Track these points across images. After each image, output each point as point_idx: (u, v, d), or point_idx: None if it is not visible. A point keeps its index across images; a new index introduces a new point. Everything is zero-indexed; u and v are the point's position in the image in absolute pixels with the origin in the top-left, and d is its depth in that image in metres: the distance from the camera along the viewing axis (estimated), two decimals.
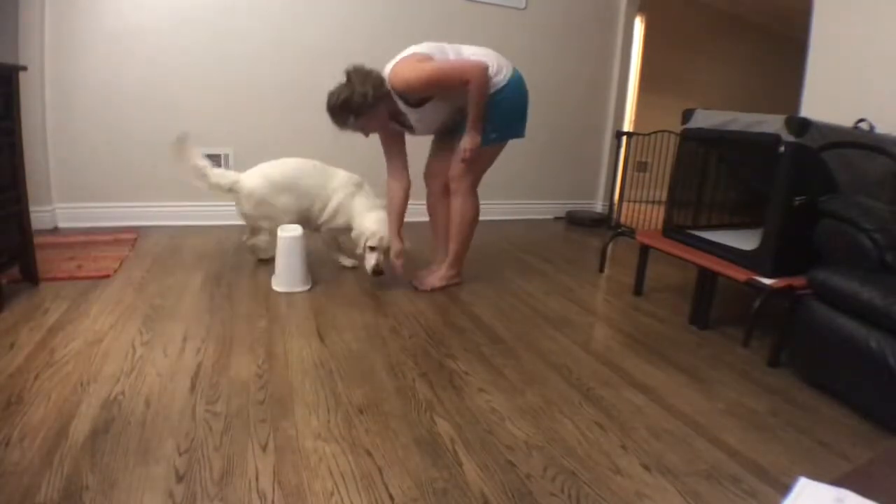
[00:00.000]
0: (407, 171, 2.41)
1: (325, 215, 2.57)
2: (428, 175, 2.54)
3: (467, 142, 2.23)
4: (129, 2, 3.05)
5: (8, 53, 2.73)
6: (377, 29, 3.55)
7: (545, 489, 1.22)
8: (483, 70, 2.12)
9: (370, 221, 2.41)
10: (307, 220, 2.57)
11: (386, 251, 2.40)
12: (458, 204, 2.40)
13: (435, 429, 1.42)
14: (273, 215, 2.48)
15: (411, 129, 2.33)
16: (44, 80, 2.95)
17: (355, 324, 2.06)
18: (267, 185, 2.48)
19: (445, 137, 2.42)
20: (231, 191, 2.48)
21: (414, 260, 2.91)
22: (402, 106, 2.20)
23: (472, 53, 2.24)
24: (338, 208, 2.55)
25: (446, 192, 2.47)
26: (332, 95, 2.18)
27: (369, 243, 2.38)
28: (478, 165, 2.37)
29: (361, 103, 2.12)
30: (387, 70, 2.18)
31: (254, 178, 2.49)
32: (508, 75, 2.27)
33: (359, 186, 2.60)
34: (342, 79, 2.20)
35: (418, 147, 2.55)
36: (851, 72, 2.62)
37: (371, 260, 2.39)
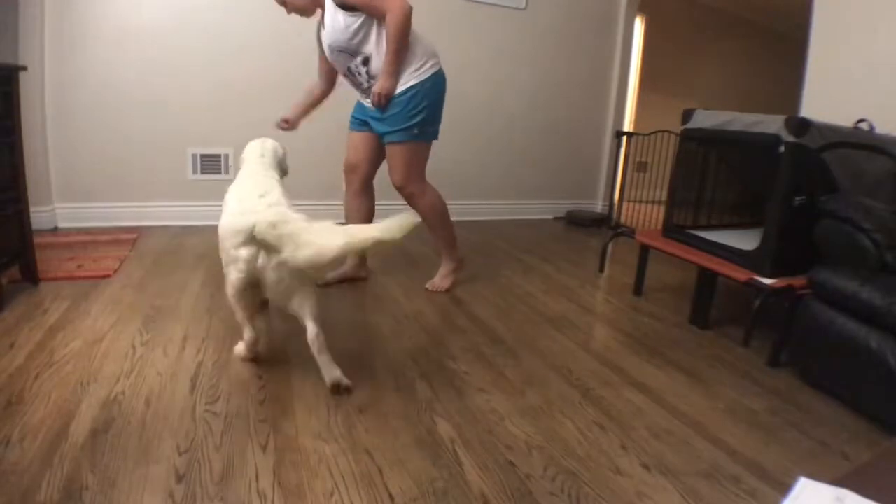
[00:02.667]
0: (334, 79, 2.42)
1: None
2: (348, 170, 2.43)
3: (379, 85, 2.14)
4: (129, 2, 3.05)
5: (8, 53, 2.73)
6: None
7: (545, 489, 1.22)
8: (405, 8, 2.04)
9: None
10: None
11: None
12: (420, 206, 2.34)
13: (435, 429, 1.42)
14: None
15: (321, 39, 2.27)
16: (44, 80, 2.95)
17: (355, 324, 2.06)
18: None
19: (360, 129, 2.36)
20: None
21: (415, 261, 2.91)
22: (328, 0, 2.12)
23: (416, 27, 2.18)
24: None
25: (364, 189, 2.43)
26: None
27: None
28: (417, 164, 2.30)
29: None
30: None
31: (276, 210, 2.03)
32: (437, 69, 2.23)
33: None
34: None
35: None
36: (851, 72, 2.62)
37: None
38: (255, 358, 1.71)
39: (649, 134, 3.84)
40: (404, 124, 2.20)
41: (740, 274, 2.02)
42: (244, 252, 1.48)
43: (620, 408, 1.60)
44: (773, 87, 5.59)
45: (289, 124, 2.47)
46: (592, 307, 2.48)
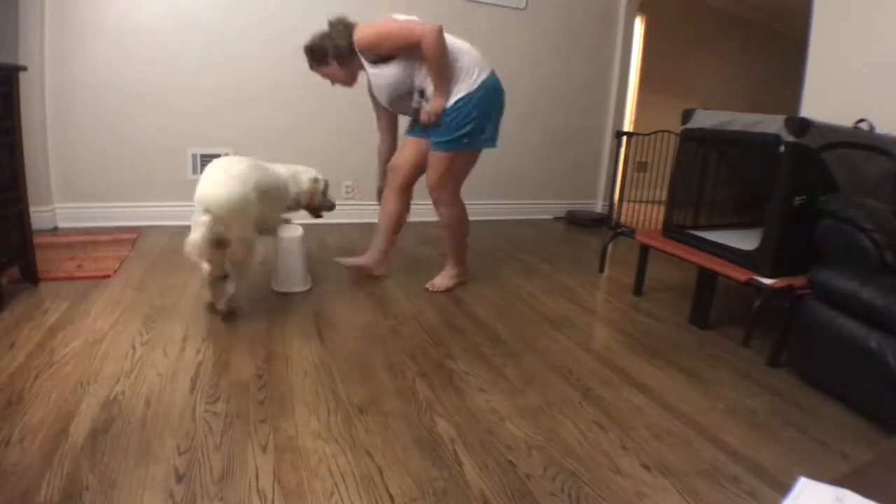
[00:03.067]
0: (392, 131, 2.49)
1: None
2: (391, 167, 2.49)
3: (431, 105, 2.22)
4: (129, 2, 3.05)
5: (8, 53, 2.73)
6: None
7: (545, 489, 1.22)
8: (436, 30, 2.08)
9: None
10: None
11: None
12: (443, 214, 2.41)
13: (435, 429, 1.42)
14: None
15: (373, 95, 2.36)
16: (44, 80, 2.95)
17: (355, 324, 2.06)
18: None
19: (415, 134, 2.40)
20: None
21: (416, 261, 2.91)
22: (364, 63, 2.21)
23: (458, 40, 2.26)
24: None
25: (403, 189, 2.46)
26: (313, 39, 2.27)
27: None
28: (453, 175, 2.35)
29: (335, 51, 2.20)
30: None
31: None
32: (488, 74, 2.26)
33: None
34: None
35: None
36: (851, 72, 2.62)
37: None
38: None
39: (649, 134, 3.84)
40: (453, 134, 2.24)
41: (740, 274, 2.02)
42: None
43: (620, 408, 1.60)
44: (773, 87, 5.59)
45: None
46: (592, 307, 2.48)
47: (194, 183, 3.54)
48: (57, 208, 3.13)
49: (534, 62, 4.11)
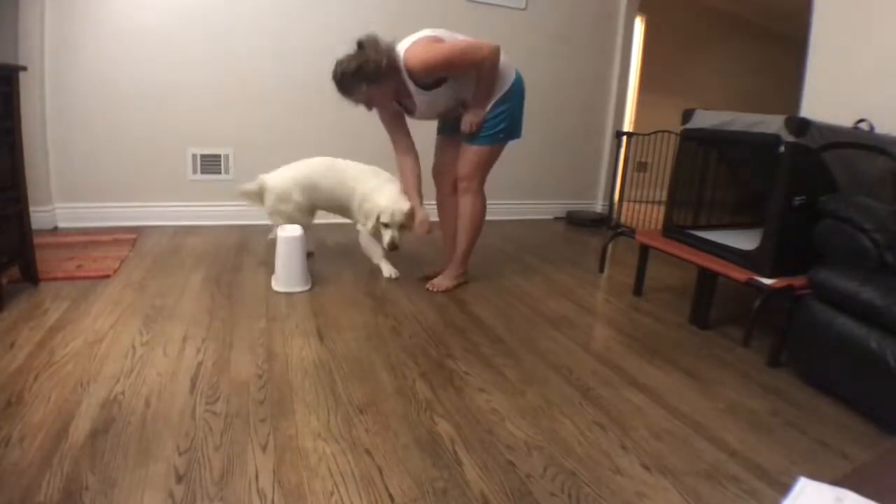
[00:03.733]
0: (414, 146, 2.44)
1: (359, 216, 2.57)
2: (437, 173, 2.55)
3: (472, 115, 2.25)
4: (129, 2, 3.05)
5: (8, 53, 2.73)
6: (377, 29, 3.53)
7: (545, 489, 1.22)
8: (495, 50, 2.14)
9: (382, 198, 2.41)
10: (342, 213, 2.70)
11: (400, 226, 2.41)
12: (467, 203, 2.42)
13: (435, 429, 1.42)
14: (287, 212, 2.57)
15: (411, 112, 2.33)
16: (44, 80, 2.95)
17: (355, 324, 2.06)
18: (283, 183, 2.56)
19: (450, 133, 2.43)
20: (259, 191, 2.61)
21: (417, 261, 2.91)
22: (412, 87, 2.18)
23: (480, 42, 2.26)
24: (361, 203, 2.53)
25: (455, 189, 2.47)
26: (341, 63, 2.13)
27: (382, 220, 2.40)
28: (486, 165, 2.40)
29: (374, 71, 2.08)
30: (400, 49, 2.16)
31: (274, 178, 2.59)
32: (514, 74, 2.31)
33: (374, 172, 2.57)
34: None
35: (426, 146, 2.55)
36: (851, 72, 2.62)
37: (386, 236, 2.41)
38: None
39: (649, 134, 3.84)
40: (490, 131, 2.29)
41: (740, 274, 2.02)
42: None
43: (620, 408, 1.60)
44: (773, 87, 5.59)
45: (427, 226, 2.44)
46: (592, 307, 2.48)
47: (194, 183, 3.56)
48: (57, 208, 3.13)
49: (534, 62, 4.10)
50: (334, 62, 2.15)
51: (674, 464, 1.34)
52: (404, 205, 2.39)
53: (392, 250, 2.46)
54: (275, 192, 2.55)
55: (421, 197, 2.45)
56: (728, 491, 1.25)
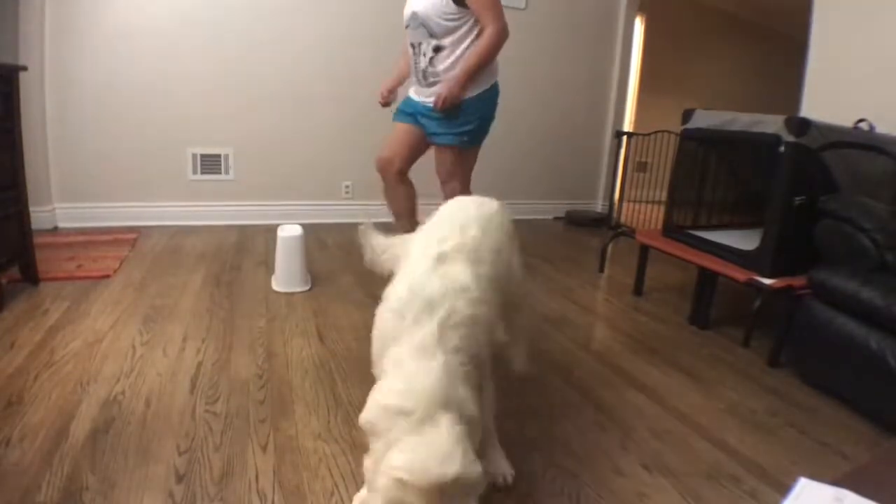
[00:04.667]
0: None
1: None
2: (381, 160, 2.36)
3: (446, 87, 2.10)
4: (129, 2, 3.05)
5: (8, 53, 2.73)
6: (377, 30, 3.55)
7: (545, 489, 1.22)
8: (506, 32, 2.08)
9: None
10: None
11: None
12: None
13: None
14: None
15: None
16: (44, 80, 2.95)
17: (355, 324, 2.06)
18: None
19: (404, 119, 2.34)
20: None
21: None
22: None
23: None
24: None
25: (401, 179, 2.38)
26: None
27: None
28: (460, 168, 2.32)
29: None
30: None
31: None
32: (496, 81, 2.25)
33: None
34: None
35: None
36: (851, 72, 2.62)
37: None
38: None
39: (649, 134, 3.83)
40: (455, 130, 2.21)
41: (740, 274, 2.02)
42: None
43: (620, 408, 1.59)
44: (773, 87, 5.59)
45: (389, 94, 2.41)
46: (592, 307, 2.48)
47: (194, 183, 3.56)
48: (57, 208, 3.13)
49: (534, 62, 4.10)
50: None
51: (674, 464, 1.34)
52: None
53: None
54: None
55: (396, 86, 2.40)
56: (728, 491, 1.25)
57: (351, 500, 1.14)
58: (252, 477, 1.19)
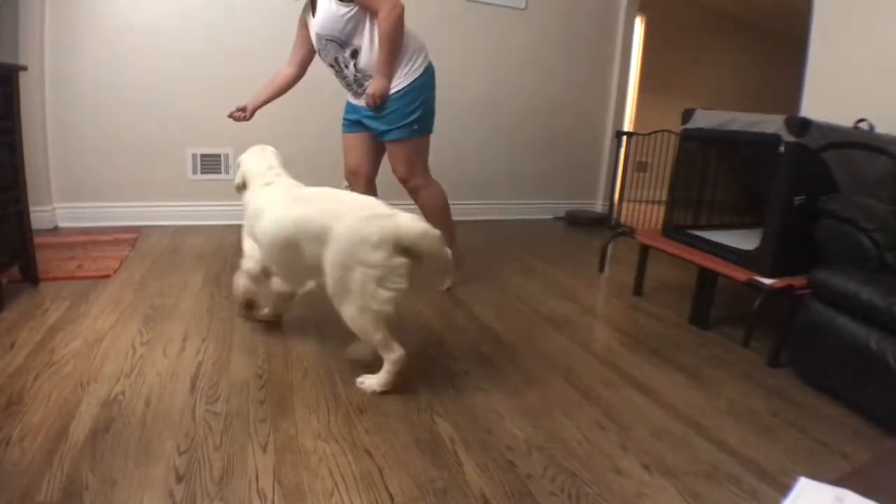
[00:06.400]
0: (306, 64, 2.41)
1: None
2: (351, 174, 2.42)
3: (373, 86, 2.13)
4: (129, 2, 3.05)
5: (8, 53, 2.73)
6: None
7: (545, 489, 1.22)
8: (398, 7, 2.03)
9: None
10: None
11: None
12: (423, 197, 2.36)
13: (435, 429, 1.42)
14: None
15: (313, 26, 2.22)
16: (44, 80, 2.95)
17: None
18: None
19: (354, 130, 2.36)
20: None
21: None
22: None
23: (407, 24, 2.15)
24: None
25: (369, 188, 2.40)
26: None
27: None
28: (416, 157, 2.31)
29: None
30: None
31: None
32: (427, 63, 2.22)
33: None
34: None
35: None
36: (851, 72, 2.62)
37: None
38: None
39: (649, 134, 3.84)
40: (403, 121, 2.20)
41: (740, 274, 2.02)
42: (400, 260, 1.45)
43: (620, 408, 1.59)
44: (773, 87, 5.59)
45: (245, 113, 2.45)
46: (592, 307, 2.48)
47: (194, 183, 3.55)
48: (57, 208, 3.13)
49: (534, 62, 4.11)
50: None
51: (674, 464, 1.34)
52: None
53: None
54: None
55: (267, 101, 2.48)
56: (728, 491, 1.25)
57: (351, 500, 1.14)
58: (252, 477, 1.19)
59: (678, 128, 2.48)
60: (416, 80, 2.18)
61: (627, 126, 5.05)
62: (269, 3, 3.33)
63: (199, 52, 3.23)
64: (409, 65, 2.17)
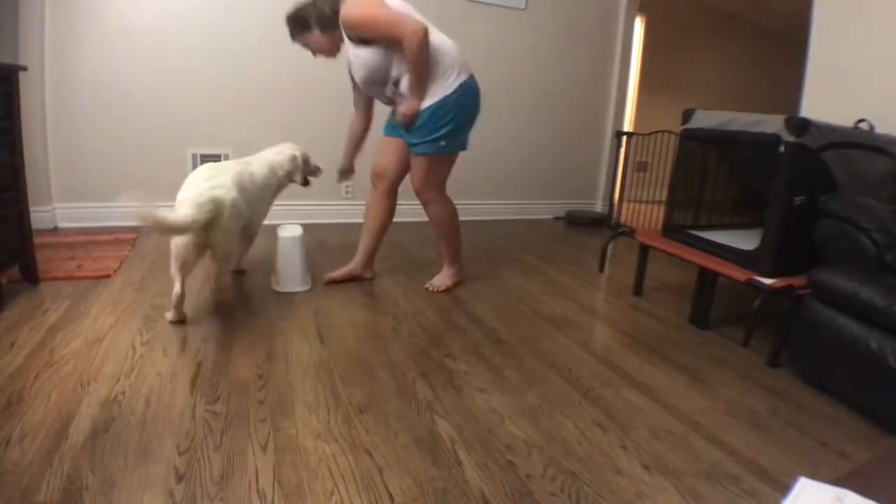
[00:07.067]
0: (367, 107, 2.47)
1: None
2: (374, 174, 2.47)
3: (405, 106, 2.19)
4: (129, 2, 3.05)
5: (8, 53, 2.73)
6: None
7: (545, 489, 1.22)
8: (419, 32, 2.03)
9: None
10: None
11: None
12: (433, 214, 2.41)
13: (435, 429, 1.42)
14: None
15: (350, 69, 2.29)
16: (44, 80, 2.95)
17: (355, 324, 2.06)
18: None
19: (392, 135, 2.39)
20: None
21: (416, 261, 2.91)
22: (345, 38, 2.17)
23: (440, 39, 2.18)
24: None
25: (388, 194, 2.44)
26: (297, 6, 2.23)
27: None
28: (436, 176, 2.34)
29: (317, 19, 2.16)
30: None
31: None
32: (467, 78, 2.23)
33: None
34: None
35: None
36: (851, 72, 2.62)
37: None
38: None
39: (649, 134, 3.84)
40: (429, 137, 2.23)
41: (740, 274, 2.02)
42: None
43: (620, 408, 1.60)
44: (773, 87, 5.59)
45: (348, 173, 2.56)
46: (592, 307, 2.48)
47: None
48: (57, 208, 3.13)
49: (534, 62, 4.11)
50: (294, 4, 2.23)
51: (674, 464, 1.34)
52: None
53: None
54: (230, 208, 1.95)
55: (352, 154, 2.53)
56: (728, 491, 1.25)
57: (351, 500, 1.14)
58: (252, 477, 1.19)
59: (678, 128, 2.48)
60: (447, 96, 2.19)
61: (627, 126, 5.06)
62: (270, 3, 3.33)
63: (199, 52, 3.23)
64: (441, 81, 2.18)
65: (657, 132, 3.72)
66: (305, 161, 2.49)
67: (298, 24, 2.22)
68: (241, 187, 2.06)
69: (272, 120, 3.47)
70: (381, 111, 2.49)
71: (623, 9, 4.31)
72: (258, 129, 3.45)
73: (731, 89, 5.90)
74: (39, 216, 2.85)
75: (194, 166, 3.37)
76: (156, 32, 3.13)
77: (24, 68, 2.11)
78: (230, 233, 2.00)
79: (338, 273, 2.48)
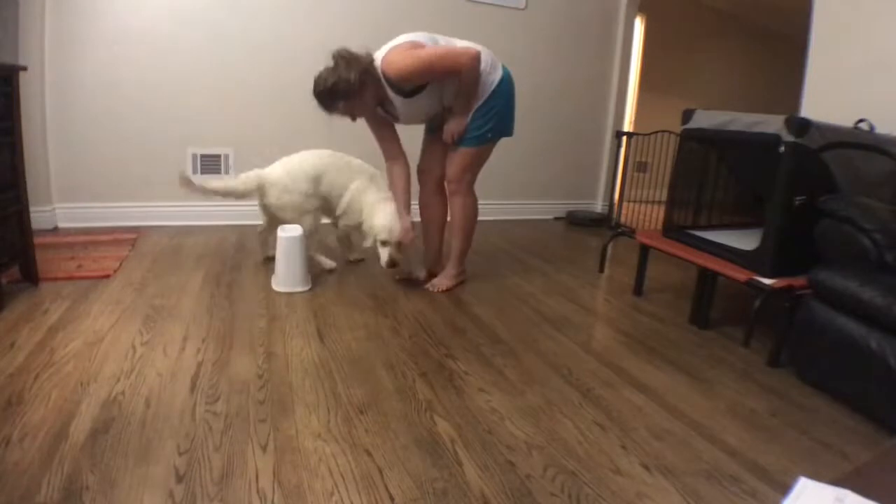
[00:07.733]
0: (403, 152, 2.41)
1: (339, 209, 2.57)
2: (421, 172, 2.54)
3: (454, 125, 2.25)
4: (129, 3, 3.05)
5: (8, 53, 2.73)
6: (377, 29, 3.54)
7: (545, 489, 1.22)
8: (475, 57, 2.12)
9: (380, 217, 2.35)
10: (328, 212, 2.64)
11: (398, 244, 2.36)
12: (458, 204, 2.42)
13: (435, 429, 1.42)
14: (296, 206, 2.47)
15: (396, 118, 2.34)
16: (44, 80, 2.95)
17: (355, 324, 2.06)
18: (289, 177, 2.46)
19: (437, 132, 2.41)
20: (259, 187, 2.45)
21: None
22: (391, 94, 2.18)
23: (465, 46, 2.23)
24: (350, 203, 2.52)
25: (439, 189, 2.48)
26: (318, 80, 2.16)
27: (380, 238, 2.35)
28: (475, 165, 2.39)
29: (346, 89, 2.11)
30: (378, 56, 2.17)
31: (277, 171, 2.48)
32: (500, 73, 2.28)
33: (372, 179, 2.53)
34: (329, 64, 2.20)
35: (413, 142, 2.55)
36: (851, 72, 2.62)
37: (384, 255, 2.36)
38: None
39: (649, 134, 3.84)
40: (477, 132, 2.28)
41: (740, 274, 2.02)
42: None
43: (620, 408, 1.60)
44: (773, 87, 5.59)
45: (413, 226, 2.44)
46: (592, 307, 2.48)
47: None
48: (57, 208, 3.13)
49: (534, 62, 4.11)
50: (314, 79, 2.17)
51: (674, 464, 1.34)
52: (399, 224, 2.33)
53: (390, 267, 2.39)
54: (277, 188, 2.44)
55: (409, 207, 2.42)
56: (728, 491, 1.25)
57: (351, 500, 1.14)
58: (252, 477, 1.19)
59: (678, 128, 2.48)
60: (487, 99, 2.24)
61: (627, 126, 5.05)
62: (270, 3, 3.34)
63: (199, 52, 3.23)
64: (486, 88, 2.24)
65: (657, 132, 3.72)
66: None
67: (336, 96, 2.14)
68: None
69: (273, 119, 3.47)
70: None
71: (623, 9, 4.31)
72: (258, 129, 3.46)
73: (731, 89, 5.89)
74: (39, 216, 2.85)
75: (194, 166, 3.37)
76: (156, 32, 3.13)
77: (24, 68, 2.11)
78: None
79: (450, 282, 2.51)
